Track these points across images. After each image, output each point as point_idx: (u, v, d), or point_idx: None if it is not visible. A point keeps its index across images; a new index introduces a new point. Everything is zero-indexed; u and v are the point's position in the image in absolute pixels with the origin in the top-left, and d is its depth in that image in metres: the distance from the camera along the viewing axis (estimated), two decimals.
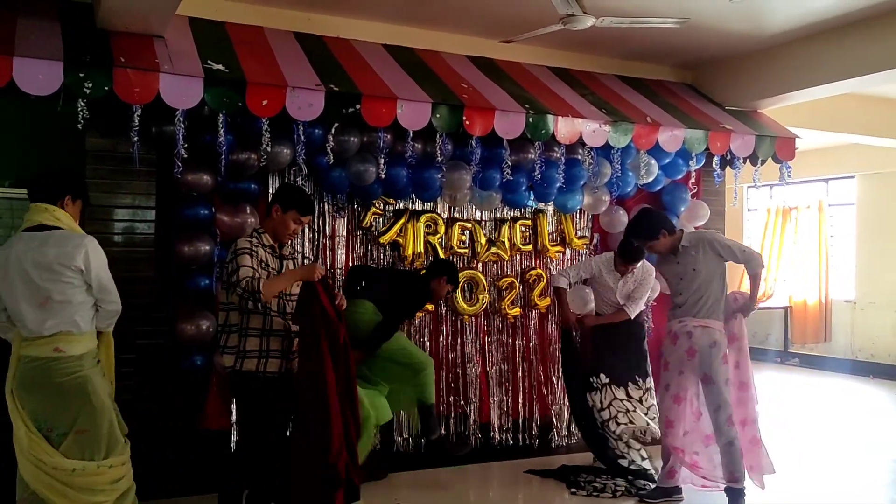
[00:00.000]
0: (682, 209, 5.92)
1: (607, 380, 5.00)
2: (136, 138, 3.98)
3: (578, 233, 5.91)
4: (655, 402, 4.99)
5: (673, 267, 4.38)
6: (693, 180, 6.01)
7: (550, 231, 5.82)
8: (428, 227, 5.39)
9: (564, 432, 5.79)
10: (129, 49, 4.05)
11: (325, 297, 3.55)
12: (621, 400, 4.96)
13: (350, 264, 5.23)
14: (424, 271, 4.96)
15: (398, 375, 4.74)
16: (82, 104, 3.83)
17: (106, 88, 3.85)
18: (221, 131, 4.18)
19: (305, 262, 4.94)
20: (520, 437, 5.70)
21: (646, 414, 4.98)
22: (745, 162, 5.75)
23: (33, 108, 4.04)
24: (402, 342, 4.82)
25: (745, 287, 4.51)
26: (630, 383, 5.02)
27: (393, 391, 4.73)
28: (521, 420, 5.73)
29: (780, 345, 10.36)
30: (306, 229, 5.04)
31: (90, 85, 3.81)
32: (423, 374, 4.74)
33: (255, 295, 3.41)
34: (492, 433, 5.61)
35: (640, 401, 5.01)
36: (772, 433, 6.14)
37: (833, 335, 9.84)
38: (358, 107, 4.38)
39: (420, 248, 5.33)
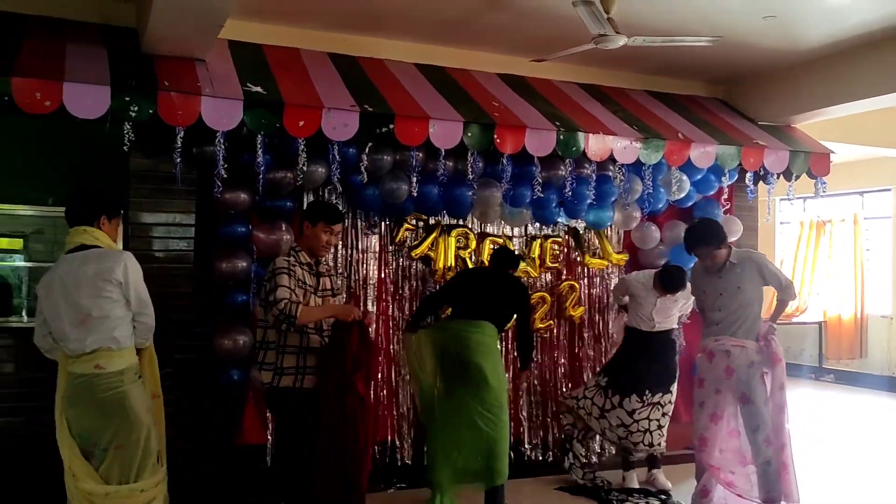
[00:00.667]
0: None
1: (605, 382, 5.07)
2: (178, 159, 4.10)
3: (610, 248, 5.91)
4: (653, 417, 4.96)
5: (714, 281, 4.33)
6: (725, 196, 5.99)
7: (582, 247, 5.82)
8: (459, 241, 5.43)
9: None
10: (172, 73, 4.18)
11: (356, 339, 3.62)
12: (596, 405, 5.04)
13: (382, 278, 5.28)
14: (492, 265, 4.80)
15: (473, 438, 4.32)
16: (128, 127, 3.96)
17: (150, 112, 3.98)
18: (260, 152, 4.29)
19: (341, 279, 5.02)
20: (550, 453, 5.70)
21: (619, 426, 4.96)
22: (778, 177, 5.73)
23: (77, 127, 4.15)
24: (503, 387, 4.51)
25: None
26: (633, 395, 4.95)
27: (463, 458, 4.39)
28: (551, 436, 5.73)
29: (815, 360, 10.21)
30: (339, 245, 5.11)
31: (136, 108, 3.94)
32: (499, 445, 4.34)
33: (290, 319, 3.50)
34: (522, 449, 5.61)
35: (631, 413, 4.93)
36: (806, 450, 6.07)
37: (869, 351, 9.67)
38: (391, 126, 4.46)
39: (451, 262, 5.38)
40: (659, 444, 5.03)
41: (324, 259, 3.94)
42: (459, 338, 4.38)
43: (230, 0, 3.54)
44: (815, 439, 6.63)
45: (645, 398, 4.95)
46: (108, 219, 3.45)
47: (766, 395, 4.22)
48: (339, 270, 5.12)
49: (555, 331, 5.74)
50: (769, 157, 5.52)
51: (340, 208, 5.01)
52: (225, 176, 4.27)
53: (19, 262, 5.51)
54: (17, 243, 5.58)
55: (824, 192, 5.86)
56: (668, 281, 4.93)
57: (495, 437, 4.33)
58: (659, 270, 5.08)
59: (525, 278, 5.64)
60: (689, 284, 4.85)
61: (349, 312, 3.65)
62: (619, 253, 5.88)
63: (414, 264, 5.38)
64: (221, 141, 4.18)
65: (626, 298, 5.21)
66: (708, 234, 4.31)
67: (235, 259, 4.67)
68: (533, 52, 5.28)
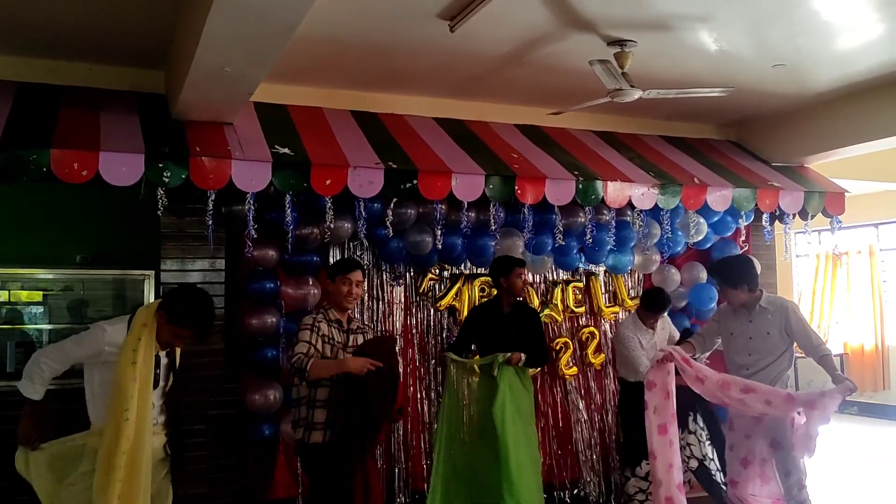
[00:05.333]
0: None
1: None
2: (210, 221, 4.22)
3: (630, 292, 5.96)
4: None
5: (744, 325, 4.31)
6: (743, 237, 6.05)
7: (603, 292, 5.87)
8: (482, 290, 5.50)
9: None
10: (202, 137, 4.32)
11: (373, 390, 3.65)
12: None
13: (408, 328, 5.34)
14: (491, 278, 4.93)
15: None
16: (161, 192, 4.09)
17: (183, 177, 4.12)
18: (288, 211, 4.41)
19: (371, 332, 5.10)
20: (581, 493, 5.69)
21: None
22: (794, 217, 5.80)
23: (108, 189, 4.26)
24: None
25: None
26: (644, 461, 4.81)
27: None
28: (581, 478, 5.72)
29: None
30: (365, 297, 5.20)
31: (168, 174, 4.08)
32: (529, 478, 4.48)
33: (301, 373, 3.61)
34: (555, 492, 5.60)
35: (645, 477, 4.86)
36: (836, 484, 6.04)
37: (891, 382, 9.60)
38: (415, 182, 4.58)
39: None
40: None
41: (356, 316, 4.03)
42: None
43: (261, 71, 3.68)
44: (847, 473, 6.58)
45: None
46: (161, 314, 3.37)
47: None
48: (367, 322, 5.20)
49: (580, 377, 5.77)
50: (784, 198, 5.60)
51: (363, 260, 5.15)
52: (255, 236, 4.39)
53: (42, 323, 5.54)
54: (37, 296, 5.62)
55: (840, 228, 5.93)
56: (656, 299, 4.96)
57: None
58: (642, 297, 5.15)
59: (549, 323, 5.70)
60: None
61: (361, 368, 3.61)
62: (632, 298, 5.93)
63: (438, 313, 5.45)
64: (251, 202, 4.30)
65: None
66: (723, 272, 4.38)
67: (264, 314, 4.76)
68: (549, 103, 5.42)
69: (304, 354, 3.63)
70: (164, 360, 3.41)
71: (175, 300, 3.34)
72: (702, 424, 5.03)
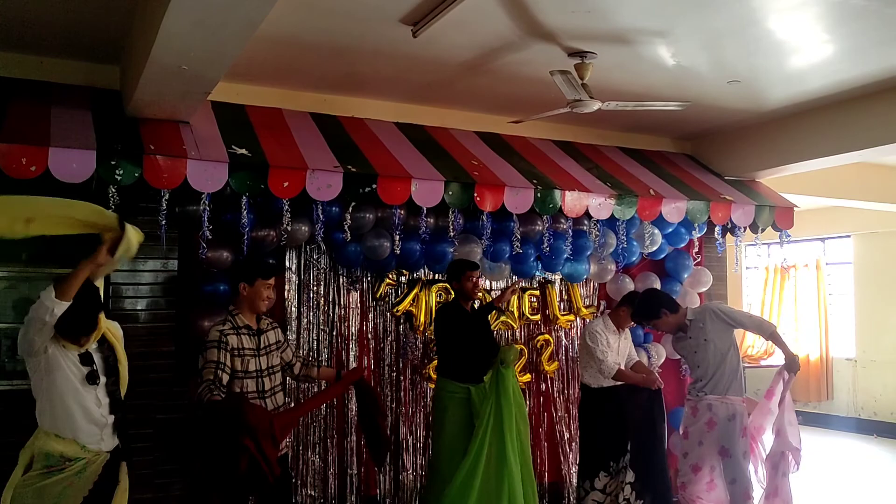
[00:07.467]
0: (686, 276, 6.07)
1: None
2: (164, 221, 4.13)
3: (585, 301, 6.03)
4: (627, 480, 4.78)
5: (687, 342, 4.55)
6: (696, 248, 6.17)
7: (559, 300, 5.93)
8: (439, 296, 5.51)
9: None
10: (157, 136, 4.23)
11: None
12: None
13: (363, 333, 5.31)
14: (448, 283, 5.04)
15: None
16: (113, 190, 3.99)
17: (136, 175, 4.02)
18: (244, 212, 4.34)
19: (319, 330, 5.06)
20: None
21: None
22: (745, 230, 5.94)
23: (57, 186, 4.10)
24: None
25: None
26: (601, 472, 4.80)
27: None
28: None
29: None
30: (321, 301, 5.16)
31: (121, 172, 3.98)
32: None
33: (202, 406, 3.44)
34: None
35: (603, 490, 4.78)
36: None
37: (835, 393, 9.89)
38: (374, 186, 4.55)
39: (432, 317, 5.44)
40: None
41: (264, 315, 3.91)
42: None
43: (220, 70, 3.62)
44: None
45: (611, 469, 4.80)
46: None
47: (746, 448, 4.35)
48: (321, 327, 5.16)
49: (532, 385, 5.80)
50: (736, 211, 5.72)
51: (320, 263, 5.11)
52: (210, 237, 4.31)
53: None
54: None
55: (788, 242, 6.08)
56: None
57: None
58: (636, 301, 4.85)
59: (505, 330, 5.73)
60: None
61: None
62: (587, 307, 6.00)
63: (395, 318, 5.43)
64: (206, 203, 4.22)
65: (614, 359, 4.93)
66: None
67: (217, 317, 4.65)
68: (509, 111, 5.45)
69: (210, 382, 3.45)
70: (97, 356, 3.32)
71: None
72: (628, 472, 4.81)
